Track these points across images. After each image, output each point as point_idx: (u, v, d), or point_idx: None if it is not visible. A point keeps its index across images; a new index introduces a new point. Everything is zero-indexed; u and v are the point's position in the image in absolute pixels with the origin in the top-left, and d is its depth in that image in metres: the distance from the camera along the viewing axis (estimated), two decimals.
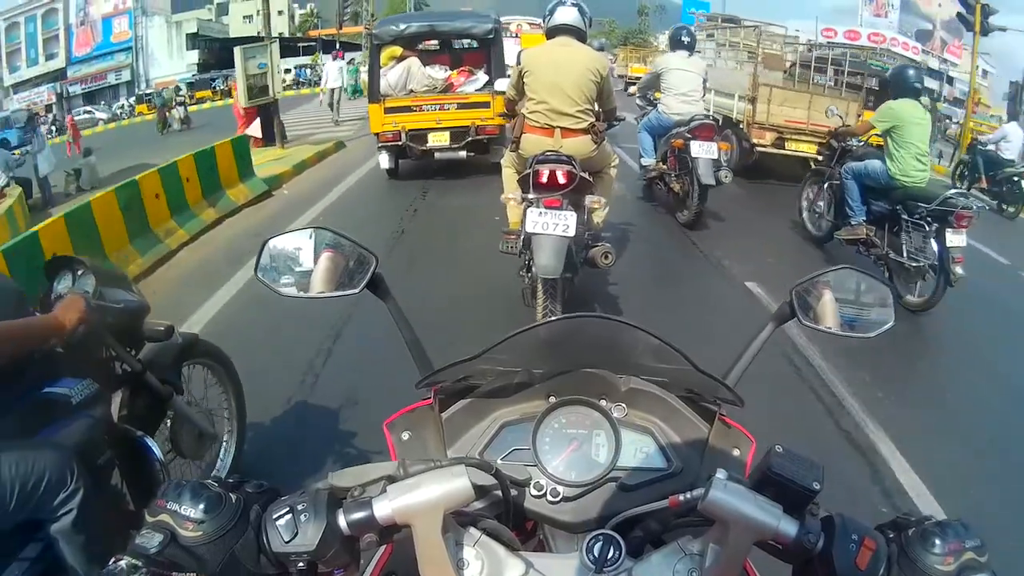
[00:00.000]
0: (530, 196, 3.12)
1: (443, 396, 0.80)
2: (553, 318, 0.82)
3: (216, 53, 33.91)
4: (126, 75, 36.02)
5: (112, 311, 1.65)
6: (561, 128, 3.49)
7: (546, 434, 0.77)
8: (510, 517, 0.71)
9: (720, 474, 0.58)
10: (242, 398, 2.31)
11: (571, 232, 2.99)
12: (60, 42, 37.34)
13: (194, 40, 37.34)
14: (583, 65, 3.47)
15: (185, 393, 2.01)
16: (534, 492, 0.74)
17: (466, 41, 7.93)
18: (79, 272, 1.71)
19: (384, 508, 0.58)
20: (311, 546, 0.57)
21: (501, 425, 0.79)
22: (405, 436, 0.78)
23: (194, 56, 36.84)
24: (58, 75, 37.09)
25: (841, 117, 5.65)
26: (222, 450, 2.27)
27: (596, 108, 3.64)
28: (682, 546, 0.63)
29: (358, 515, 0.58)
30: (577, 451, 0.76)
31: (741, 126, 7.70)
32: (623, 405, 0.79)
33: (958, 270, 3.93)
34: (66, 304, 1.47)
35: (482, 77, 7.34)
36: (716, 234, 5.61)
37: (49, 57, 37.87)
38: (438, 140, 7.05)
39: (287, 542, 0.57)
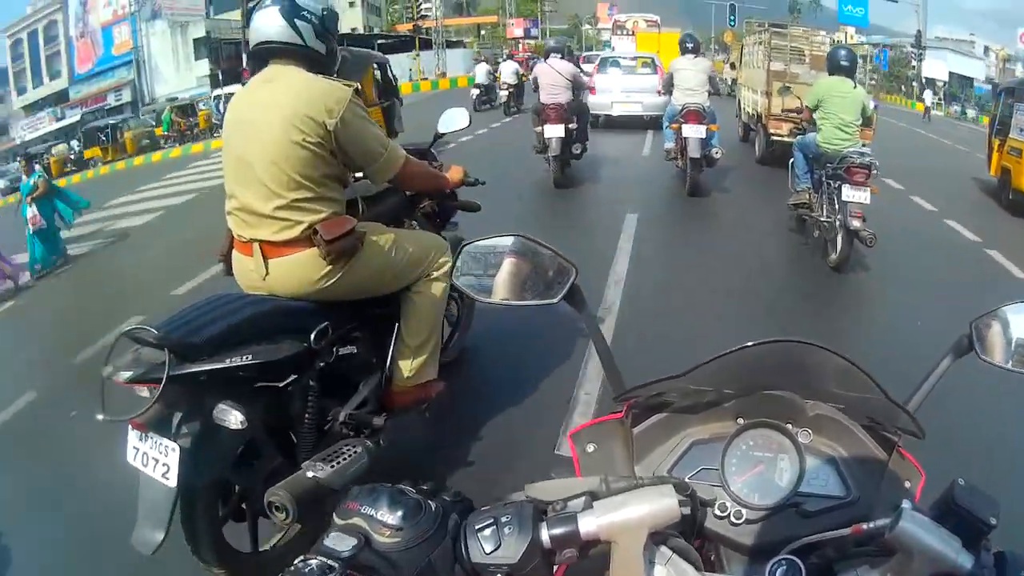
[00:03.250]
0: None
1: (636, 411, 0.80)
2: (755, 342, 0.72)
3: (240, 60, 26.36)
4: (127, 95, 30.08)
5: None
6: (260, 242, 1.89)
7: (734, 455, 0.76)
8: (693, 537, 0.69)
9: (906, 504, 0.57)
10: None
11: (171, 481, 1.62)
12: (62, 58, 32.26)
13: (205, 47, 29.74)
14: (285, 116, 1.80)
15: None
16: (718, 512, 0.73)
17: None
18: None
19: (589, 524, 0.58)
20: (514, 559, 0.56)
21: (691, 443, 0.79)
22: (590, 448, 0.80)
23: (204, 67, 29.22)
24: (61, 96, 32.09)
25: (799, 97, 6.40)
26: None
27: (332, 192, 1.94)
28: (861, 575, 0.62)
29: (562, 530, 0.58)
30: (761, 474, 0.75)
31: (763, 120, 8.72)
32: (808, 430, 0.78)
33: (855, 223, 4.39)
34: None
35: None
36: (704, 200, 7.00)
37: (53, 76, 33.66)
38: None
39: (488, 553, 0.56)
